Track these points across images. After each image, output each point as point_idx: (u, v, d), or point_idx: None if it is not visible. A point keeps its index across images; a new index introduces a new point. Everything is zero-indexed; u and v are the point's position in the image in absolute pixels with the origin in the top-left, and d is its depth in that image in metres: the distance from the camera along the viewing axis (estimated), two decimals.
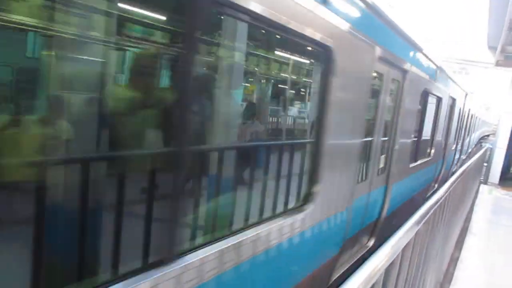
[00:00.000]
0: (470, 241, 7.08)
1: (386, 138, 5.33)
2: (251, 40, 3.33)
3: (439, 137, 9.09)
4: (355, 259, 4.82)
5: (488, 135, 46.27)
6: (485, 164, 15.19)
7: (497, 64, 17.78)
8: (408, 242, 2.41)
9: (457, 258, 6.10)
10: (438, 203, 3.38)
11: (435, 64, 7.37)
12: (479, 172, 12.67)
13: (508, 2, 9.49)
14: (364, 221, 4.99)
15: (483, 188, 13.34)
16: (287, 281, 3.28)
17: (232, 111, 3.24)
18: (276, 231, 2.86)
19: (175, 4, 2.65)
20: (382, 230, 5.45)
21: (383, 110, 5.03)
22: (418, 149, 7.18)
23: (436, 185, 9.86)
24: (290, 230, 3.06)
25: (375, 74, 4.48)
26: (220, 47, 3.04)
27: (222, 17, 2.65)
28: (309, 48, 3.30)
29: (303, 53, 3.66)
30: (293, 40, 2.88)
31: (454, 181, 4.55)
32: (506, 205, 11.59)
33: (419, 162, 7.33)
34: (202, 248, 2.24)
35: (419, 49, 6.08)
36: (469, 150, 20.66)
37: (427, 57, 6.62)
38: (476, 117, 22.47)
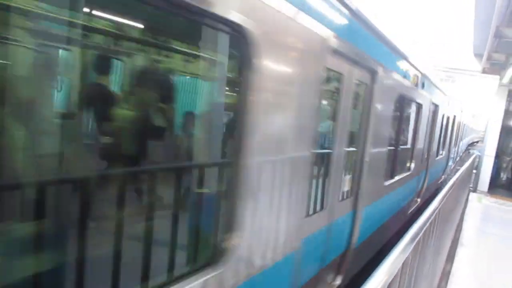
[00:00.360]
0: (461, 253, 6.92)
1: (428, 144, 9.50)
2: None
3: (447, 142, 13.69)
4: (413, 207, 8.71)
5: (477, 142, 46.70)
6: (474, 171, 15.16)
7: (484, 71, 17.87)
8: (404, 261, 2.21)
9: (449, 272, 5.92)
10: (431, 218, 3.20)
11: (450, 97, 12.13)
12: (469, 180, 12.61)
13: (494, 9, 9.49)
14: (418, 187, 9.09)
15: (473, 196, 13.27)
16: (403, 202, 7.60)
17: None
18: (405, 177, 7.28)
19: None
20: (422, 196, 9.38)
21: (429, 129, 9.13)
22: (438, 149, 11.49)
23: (443, 177, 13.90)
24: (408, 179, 7.48)
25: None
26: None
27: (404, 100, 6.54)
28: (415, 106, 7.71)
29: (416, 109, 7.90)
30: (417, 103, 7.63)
31: (445, 194, 4.38)
32: (495, 213, 11.52)
33: (439, 157, 11.97)
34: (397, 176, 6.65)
35: (446, 93, 11.08)
36: (461, 154, 24.94)
37: (446, 95, 11.22)
38: (466, 126, 26.96)
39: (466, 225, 8.98)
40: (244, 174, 2.35)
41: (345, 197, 4.43)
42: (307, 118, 3.11)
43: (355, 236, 4.66)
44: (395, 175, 6.55)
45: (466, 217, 9.78)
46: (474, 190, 14.52)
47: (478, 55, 17.53)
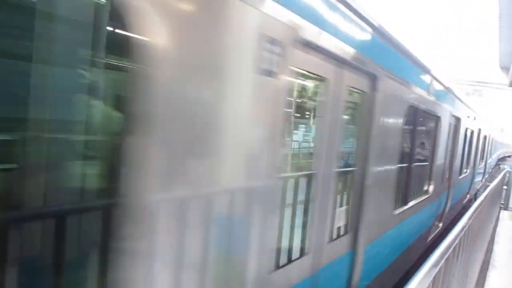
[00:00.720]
0: (492, 276, 6.55)
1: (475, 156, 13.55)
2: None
3: (484, 154, 17.49)
4: (465, 200, 12.61)
5: (509, 156, 45.08)
6: (505, 187, 14.49)
7: (511, 84, 17.31)
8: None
9: None
10: (456, 241, 3.02)
11: (487, 120, 17.04)
12: (499, 197, 12.06)
13: None
14: (469, 186, 13.32)
15: (504, 214, 12.67)
16: (463, 192, 12.14)
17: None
18: (466, 176, 12.12)
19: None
20: (470, 193, 13.71)
21: (475, 145, 13.13)
22: (479, 159, 15.30)
23: (484, 179, 19.07)
24: (466, 178, 12.14)
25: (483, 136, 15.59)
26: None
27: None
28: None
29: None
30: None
31: (472, 214, 4.15)
32: None
33: (480, 165, 16.24)
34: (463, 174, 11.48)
35: (485, 118, 15.36)
36: (491, 170, 26.83)
37: (484, 120, 15.38)
38: (496, 141, 29.66)
39: (497, 247, 8.54)
40: (432, 168, 7.07)
41: (446, 182, 8.68)
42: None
43: (448, 205, 9.15)
44: (462, 174, 10.97)
45: (497, 238, 9.31)
46: (506, 208, 13.86)
47: (505, 68, 17.04)
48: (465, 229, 3.59)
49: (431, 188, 7.07)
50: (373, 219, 4.14)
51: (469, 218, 3.91)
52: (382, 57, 4.11)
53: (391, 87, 4.33)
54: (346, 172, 3.78)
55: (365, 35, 3.71)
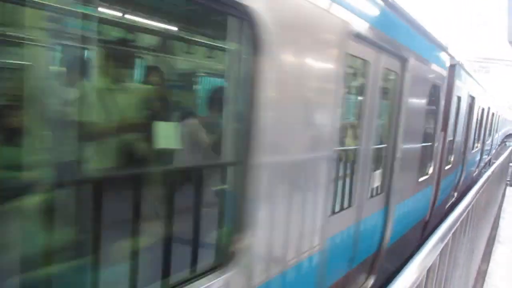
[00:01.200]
0: (498, 252, 6.53)
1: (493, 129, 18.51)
2: None
3: (498, 128, 21.17)
4: (486, 160, 17.38)
5: None
6: (511, 164, 14.36)
7: None
8: (433, 262, 2.07)
9: (485, 271, 5.59)
10: (464, 214, 2.97)
11: (501, 102, 21.85)
12: (505, 174, 11.97)
13: None
14: (491, 149, 19.15)
15: (510, 191, 12.60)
16: (488, 153, 17.89)
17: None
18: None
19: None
20: (491, 155, 19.67)
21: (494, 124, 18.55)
22: (496, 131, 19.36)
23: (498, 148, 22.95)
24: (491, 143, 18.21)
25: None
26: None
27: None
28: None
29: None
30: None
31: (478, 190, 4.09)
32: None
33: (495, 136, 20.04)
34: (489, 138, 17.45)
35: (501, 102, 21.80)
36: (499, 144, 28.90)
37: (500, 103, 21.06)
38: (505, 119, 31.05)
39: (503, 222, 8.51)
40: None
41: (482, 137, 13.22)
42: None
43: (483, 150, 14.50)
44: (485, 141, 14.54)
45: (503, 213, 9.28)
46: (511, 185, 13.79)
47: None
48: (472, 203, 3.53)
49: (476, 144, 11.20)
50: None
51: (477, 192, 3.85)
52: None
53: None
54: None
55: None
